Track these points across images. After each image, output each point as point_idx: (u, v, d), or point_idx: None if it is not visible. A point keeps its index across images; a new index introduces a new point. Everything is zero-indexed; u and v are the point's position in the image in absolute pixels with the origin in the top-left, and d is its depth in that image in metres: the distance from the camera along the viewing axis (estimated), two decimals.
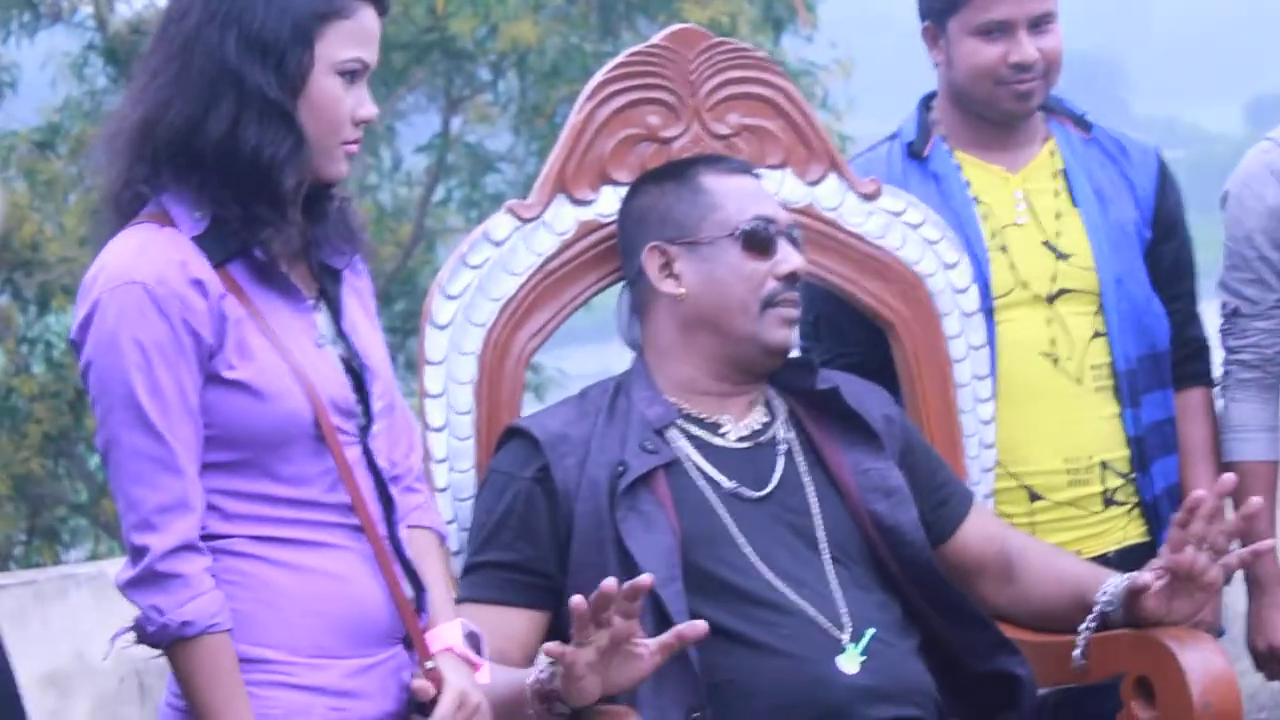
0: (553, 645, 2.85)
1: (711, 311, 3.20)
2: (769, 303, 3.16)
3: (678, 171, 3.30)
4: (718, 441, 3.20)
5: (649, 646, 2.77)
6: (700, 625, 2.80)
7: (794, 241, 3.22)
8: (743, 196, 3.21)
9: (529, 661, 2.95)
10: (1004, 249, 3.71)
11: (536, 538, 3.11)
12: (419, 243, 8.46)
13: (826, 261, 3.44)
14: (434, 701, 2.73)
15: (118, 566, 3.09)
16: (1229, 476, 3.36)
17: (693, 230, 3.20)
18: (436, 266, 8.84)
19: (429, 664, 2.74)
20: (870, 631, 3.07)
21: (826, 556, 3.14)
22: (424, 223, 9.19)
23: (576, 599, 2.74)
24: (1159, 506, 3.75)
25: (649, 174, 3.33)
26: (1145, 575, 3.12)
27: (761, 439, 3.23)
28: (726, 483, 3.16)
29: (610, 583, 2.72)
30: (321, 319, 2.76)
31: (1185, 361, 3.84)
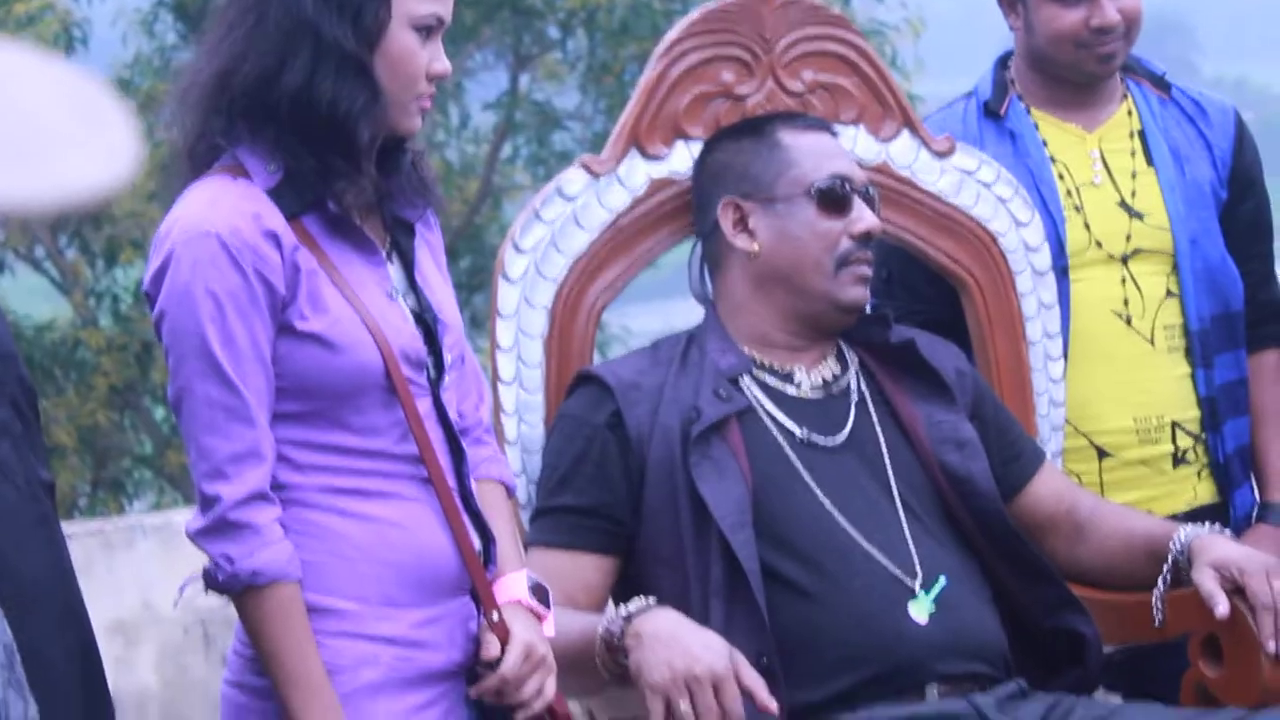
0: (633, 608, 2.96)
1: (785, 268, 3.22)
2: (843, 261, 3.18)
3: (755, 128, 3.31)
4: (791, 391, 3.23)
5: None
6: (772, 704, 2.85)
7: (869, 200, 3.24)
8: (819, 154, 3.23)
9: (597, 607, 3.04)
10: (1079, 208, 3.71)
11: (609, 483, 3.14)
12: (486, 199, 8.46)
13: (899, 219, 3.46)
14: (500, 654, 2.78)
15: (184, 516, 3.15)
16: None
17: (768, 187, 3.21)
18: (503, 223, 8.85)
19: (494, 616, 2.77)
20: (942, 580, 3.11)
21: (899, 505, 3.17)
22: (491, 179, 9.19)
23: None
24: (1230, 467, 3.77)
25: (725, 130, 3.35)
26: (1224, 551, 3.16)
27: (834, 390, 3.26)
28: (799, 431, 3.19)
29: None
30: (394, 271, 2.80)
31: (1259, 324, 3.84)
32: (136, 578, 2.71)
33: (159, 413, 9.43)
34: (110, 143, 0.83)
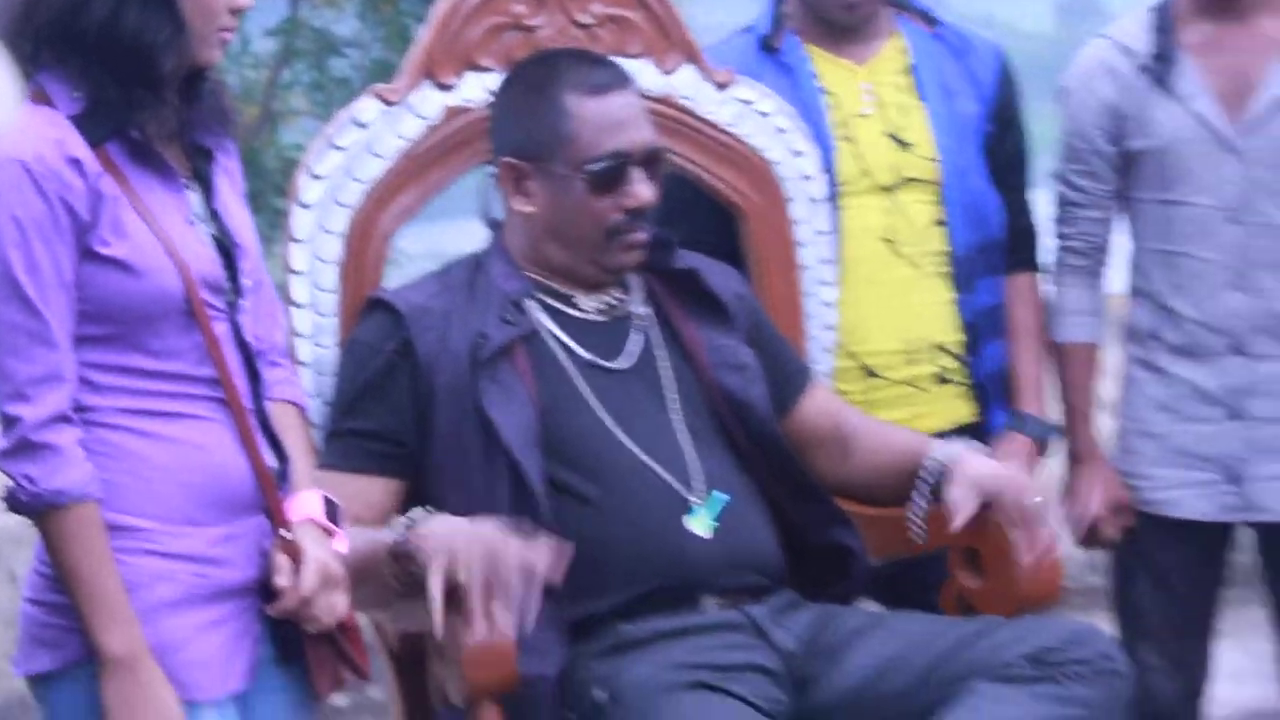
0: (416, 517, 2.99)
1: (557, 232, 3.29)
2: (614, 233, 3.25)
3: (543, 78, 3.31)
4: (575, 314, 3.29)
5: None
6: (560, 550, 2.90)
7: (654, 162, 3.27)
8: (600, 128, 3.24)
9: (385, 526, 3.06)
10: (849, 139, 3.79)
11: (397, 408, 3.19)
12: (264, 125, 8.38)
13: (681, 147, 3.50)
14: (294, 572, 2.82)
15: None
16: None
17: (547, 157, 3.24)
18: (280, 148, 8.75)
19: (286, 534, 2.81)
20: (720, 496, 3.19)
21: (680, 425, 3.24)
22: (270, 105, 9.11)
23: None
24: (989, 387, 3.91)
25: (518, 73, 3.37)
26: (976, 463, 3.27)
27: (618, 313, 3.32)
28: (584, 353, 3.25)
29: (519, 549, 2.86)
30: (194, 198, 2.80)
31: (1016, 249, 3.97)
32: None
33: None
34: None
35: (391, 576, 2.96)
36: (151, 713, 2.67)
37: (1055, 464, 3.95)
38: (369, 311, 3.28)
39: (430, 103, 3.42)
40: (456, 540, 2.90)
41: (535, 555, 2.91)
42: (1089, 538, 3.96)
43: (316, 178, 3.36)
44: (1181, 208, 3.86)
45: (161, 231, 2.69)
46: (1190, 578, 4.00)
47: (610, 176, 3.21)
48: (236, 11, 2.81)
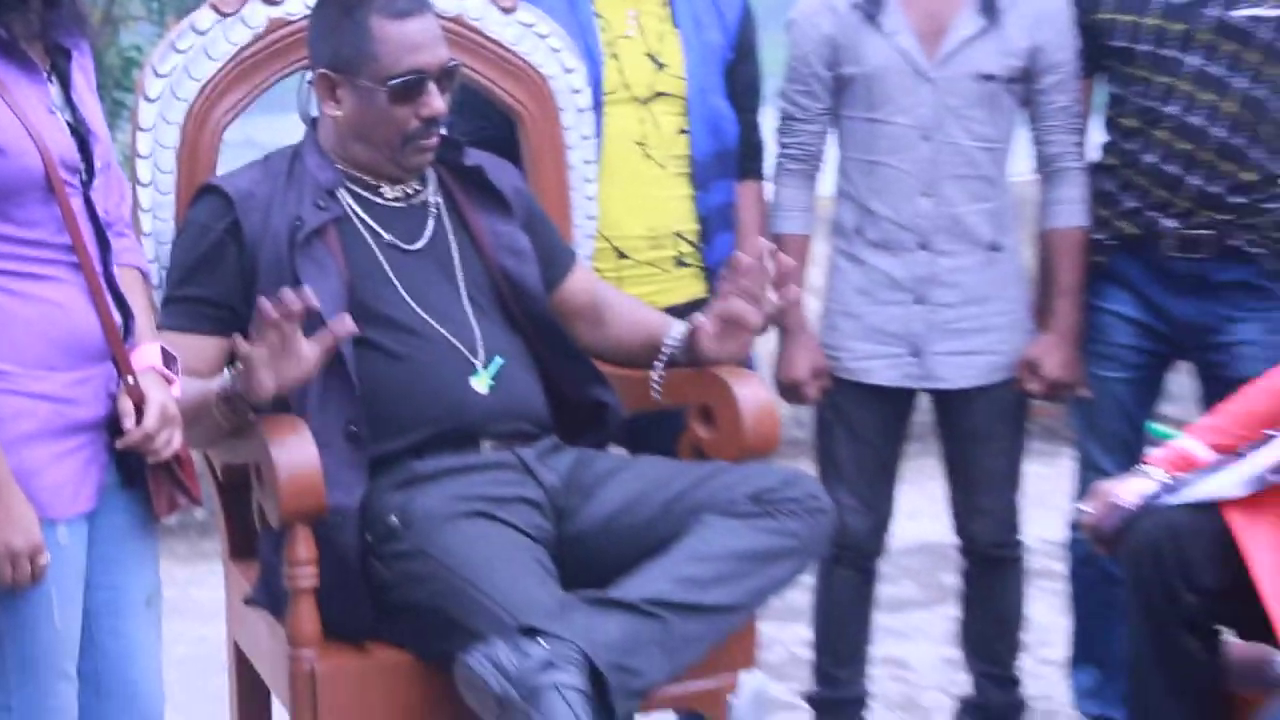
0: (240, 341, 3.08)
1: (363, 134, 3.40)
2: (410, 138, 3.36)
3: (353, 6, 3.36)
4: (378, 201, 3.43)
5: (310, 346, 3.01)
6: (348, 322, 3.06)
7: (445, 81, 3.38)
8: (401, 48, 3.33)
9: (215, 377, 3.22)
10: (615, 56, 3.95)
11: (225, 278, 3.33)
12: (105, 27, 8.37)
13: (470, 60, 3.63)
14: (139, 412, 2.92)
15: None
16: (765, 242, 3.57)
17: (354, 71, 3.34)
18: (120, 48, 8.84)
19: (131, 380, 2.92)
20: (498, 359, 3.38)
21: (465, 299, 3.41)
22: (111, 12, 9.10)
23: (263, 301, 2.95)
24: (717, 270, 3.89)
25: None
26: (704, 321, 3.46)
27: (415, 201, 3.47)
28: (386, 235, 3.40)
29: (288, 293, 2.95)
30: (54, 90, 2.89)
31: (745, 159, 4.17)
32: None
33: None
34: None
35: (221, 416, 3.12)
36: (12, 528, 2.74)
37: (770, 338, 4.07)
38: (202, 195, 3.39)
39: (258, 15, 3.51)
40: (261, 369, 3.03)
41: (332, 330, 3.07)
42: (794, 397, 4.21)
43: (159, 75, 3.48)
44: (883, 125, 4.07)
45: (25, 118, 2.77)
46: (879, 433, 4.25)
47: (408, 90, 3.32)
48: None
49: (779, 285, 3.45)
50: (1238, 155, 4.05)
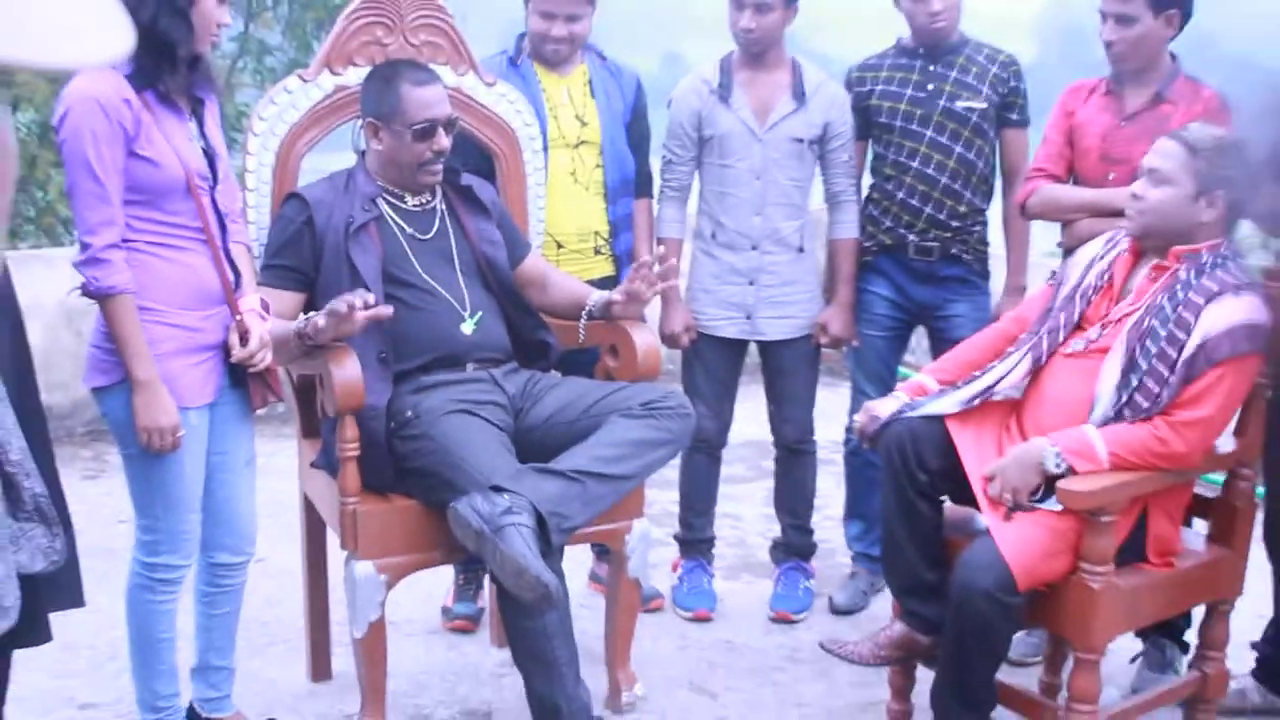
0: (311, 315, 3.15)
1: (394, 162, 3.36)
2: (424, 165, 3.34)
3: (391, 75, 3.37)
4: (403, 206, 3.40)
5: (362, 316, 3.02)
6: (387, 309, 3.08)
7: (448, 128, 3.36)
8: (421, 106, 3.31)
9: (294, 319, 3.20)
10: (555, 117, 3.91)
11: (302, 254, 3.31)
12: (225, 89, 8.68)
13: (465, 116, 3.60)
14: (245, 339, 3.03)
15: (57, 253, 3.24)
16: (658, 248, 3.68)
17: (390, 120, 3.32)
18: (236, 103, 9.08)
19: (239, 317, 3.02)
20: (479, 312, 3.40)
21: (459, 272, 3.41)
22: (230, 80, 9.46)
23: (342, 300, 3.00)
24: (621, 258, 4.06)
25: (376, 70, 3.43)
26: (615, 294, 3.48)
27: (427, 207, 3.44)
28: (408, 229, 3.39)
29: (355, 296, 3.00)
30: (192, 126, 2.97)
31: (640, 186, 4.11)
32: (28, 284, 2.83)
33: (39, 195, 9.21)
34: (111, 31, 0.82)
35: (296, 347, 3.15)
36: (161, 413, 2.87)
37: (655, 305, 3.85)
38: (288, 199, 3.37)
39: (327, 82, 3.50)
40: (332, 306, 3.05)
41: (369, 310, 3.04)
42: (671, 343, 4.15)
43: (261, 120, 3.47)
44: (730, 169, 4.06)
45: (173, 144, 2.86)
46: (724, 367, 4.25)
47: (425, 133, 3.31)
48: (221, 26, 2.93)
49: (663, 276, 3.48)
50: (956, 196, 4.06)
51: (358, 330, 3.07)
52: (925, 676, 3.32)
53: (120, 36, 0.68)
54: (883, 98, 4.09)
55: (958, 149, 4.03)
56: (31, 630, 2.56)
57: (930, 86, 4.04)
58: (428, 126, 3.32)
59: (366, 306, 3.04)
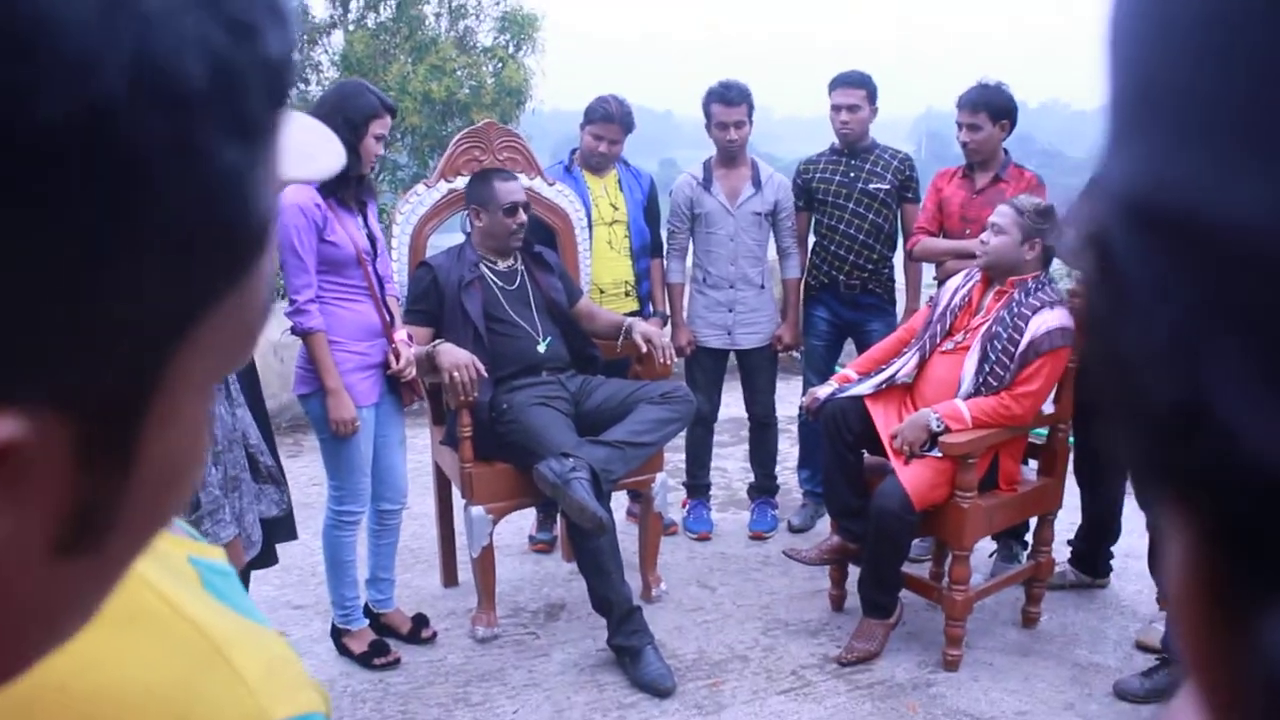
0: (437, 342, 3.12)
1: (491, 235, 3.32)
2: (511, 234, 3.30)
3: (485, 177, 3.35)
4: (497, 267, 3.35)
5: (469, 356, 3.07)
6: (484, 370, 3.07)
7: (525, 209, 3.33)
8: (505, 193, 3.29)
9: (427, 345, 3.17)
10: (596, 205, 3.85)
11: (430, 302, 3.26)
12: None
13: (536, 207, 3.55)
14: (398, 359, 3.03)
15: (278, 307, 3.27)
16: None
17: (486, 204, 3.29)
18: (380, 203, 9.37)
19: (393, 345, 3.02)
20: (549, 338, 3.36)
21: (534, 311, 3.36)
22: (376, 187, 9.63)
23: (470, 365, 3.04)
24: (643, 299, 3.98)
25: (477, 175, 3.42)
26: (641, 344, 3.41)
27: (512, 267, 3.38)
28: (500, 283, 3.34)
29: (474, 367, 3.04)
30: (359, 220, 2.97)
31: (654, 249, 4.03)
32: None
33: None
34: (334, 150, 1.04)
35: (428, 362, 3.10)
36: (345, 410, 2.89)
37: (668, 329, 3.97)
38: (420, 266, 3.34)
39: (444, 186, 3.50)
40: (455, 355, 3.09)
41: (478, 366, 3.09)
42: (679, 354, 3.98)
43: (401, 214, 3.49)
44: (713, 235, 3.98)
45: (348, 232, 2.90)
46: (713, 368, 4.14)
47: (510, 212, 3.27)
48: (377, 156, 2.99)
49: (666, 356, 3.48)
50: (870, 249, 4.01)
51: (467, 363, 3.11)
52: (854, 572, 3.38)
53: (338, 157, 0.74)
54: (819, 182, 4.05)
55: (871, 217, 3.99)
56: (266, 557, 2.71)
57: (851, 174, 4.00)
58: (511, 206, 3.29)
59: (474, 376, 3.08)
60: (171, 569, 0.58)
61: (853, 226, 4.02)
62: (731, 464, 5.17)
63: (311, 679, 0.59)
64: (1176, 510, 0.18)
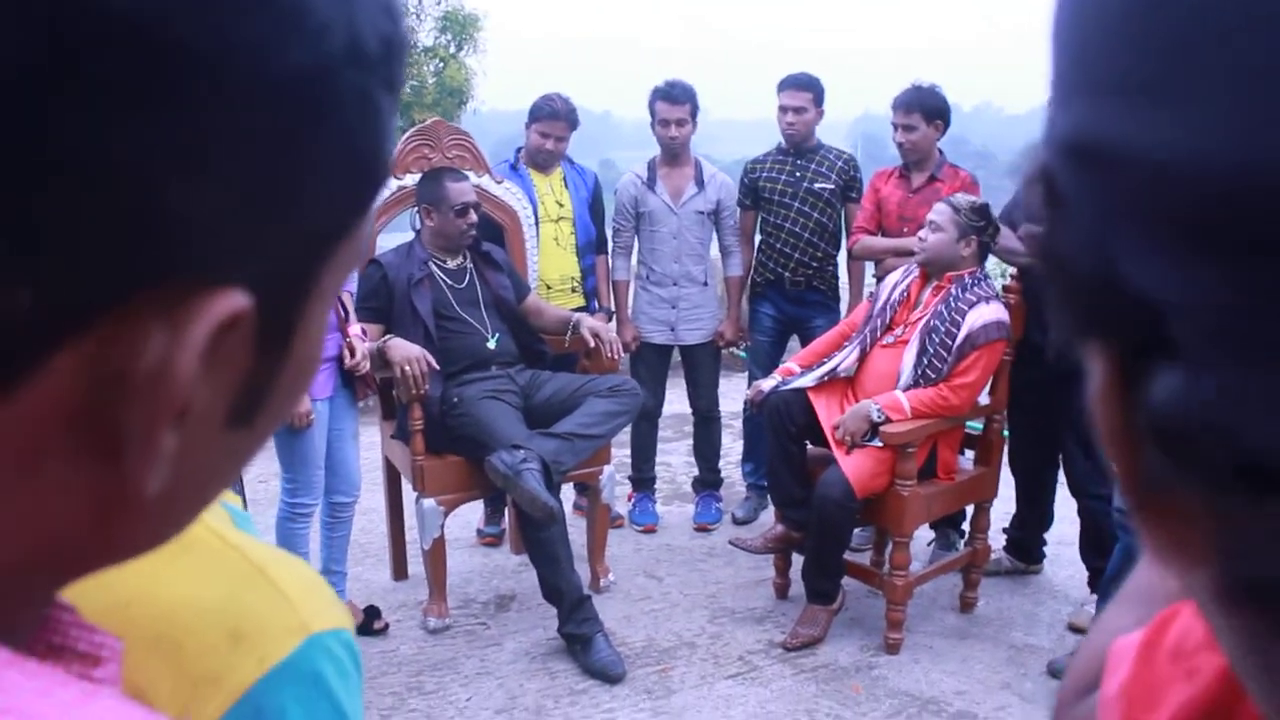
0: (386, 338, 3.12)
1: (440, 234, 3.33)
2: (460, 235, 3.31)
3: (437, 177, 3.36)
4: (446, 265, 3.35)
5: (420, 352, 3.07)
6: (434, 363, 3.07)
7: (475, 209, 3.34)
8: (457, 193, 3.30)
9: (378, 339, 3.16)
10: (543, 203, 3.88)
11: (380, 299, 3.24)
12: None
13: (485, 201, 3.54)
14: (351, 353, 3.04)
15: None
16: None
17: (437, 203, 3.29)
18: None
19: (347, 339, 3.03)
20: (498, 334, 3.33)
21: (483, 308, 3.36)
22: None
23: (422, 359, 3.05)
24: (589, 295, 4.02)
25: (427, 174, 3.41)
26: (589, 339, 3.42)
27: (461, 266, 3.38)
28: (449, 281, 3.33)
29: (425, 362, 3.05)
30: None
31: (599, 246, 4.06)
32: None
33: None
34: None
35: (379, 357, 3.10)
36: (300, 401, 2.98)
37: (614, 324, 3.98)
38: (370, 263, 3.30)
39: (392, 185, 3.45)
40: (405, 350, 3.09)
41: (427, 361, 3.09)
42: (625, 349, 3.90)
43: None
44: (657, 232, 4.02)
45: None
46: (658, 364, 4.17)
47: (460, 212, 3.27)
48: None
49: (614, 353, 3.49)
50: (815, 247, 4.05)
51: (417, 358, 3.12)
52: (797, 561, 3.46)
53: None
54: (766, 181, 4.08)
55: (816, 215, 4.03)
56: None
57: (797, 174, 4.04)
58: (463, 207, 3.30)
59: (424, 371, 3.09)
60: (211, 507, 0.64)
61: (798, 225, 4.06)
62: (675, 459, 5.22)
63: (339, 599, 0.66)
64: (1096, 348, 0.26)
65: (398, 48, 0.31)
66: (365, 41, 0.29)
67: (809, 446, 3.37)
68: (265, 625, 0.58)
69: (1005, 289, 3.37)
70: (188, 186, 0.26)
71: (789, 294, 4.15)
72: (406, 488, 3.48)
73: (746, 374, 4.35)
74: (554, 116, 3.84)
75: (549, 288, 3.94)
